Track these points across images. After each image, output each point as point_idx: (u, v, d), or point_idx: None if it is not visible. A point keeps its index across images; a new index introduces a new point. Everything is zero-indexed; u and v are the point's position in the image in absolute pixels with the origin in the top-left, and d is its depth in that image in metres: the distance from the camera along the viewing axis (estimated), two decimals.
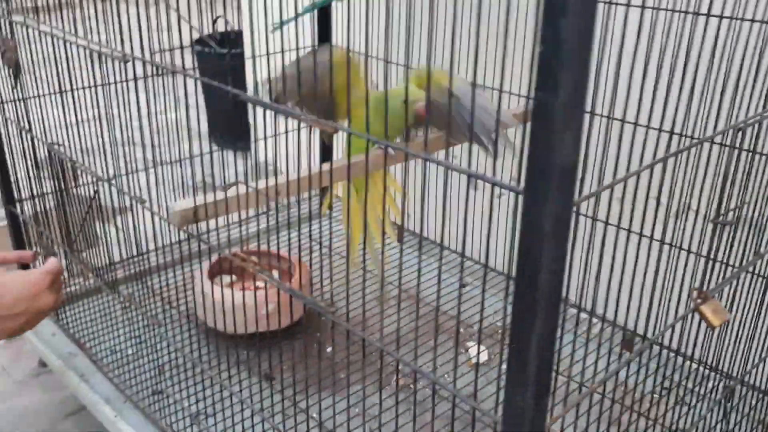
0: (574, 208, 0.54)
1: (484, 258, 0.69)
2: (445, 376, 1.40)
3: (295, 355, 1.45)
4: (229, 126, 2.33)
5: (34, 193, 1.49)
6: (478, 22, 0.59)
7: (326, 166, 0.94)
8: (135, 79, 1.22)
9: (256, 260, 0.87)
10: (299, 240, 0.88)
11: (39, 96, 1.36)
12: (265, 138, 1.63)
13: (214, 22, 0.81)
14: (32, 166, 1.46)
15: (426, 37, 0.64)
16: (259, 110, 0.84)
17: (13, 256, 1.27)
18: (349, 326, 0.75)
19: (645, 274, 0.88)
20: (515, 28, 1.15)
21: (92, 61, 1.18)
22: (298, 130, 0.84)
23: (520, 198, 0.53)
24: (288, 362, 1.42)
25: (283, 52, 1.04)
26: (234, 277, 1.57)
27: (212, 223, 1.80)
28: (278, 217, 0.98)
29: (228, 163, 1.47)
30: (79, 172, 1.28)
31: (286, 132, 1.50)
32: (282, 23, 0.99)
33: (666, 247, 0.98)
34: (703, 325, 0.78)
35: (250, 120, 2.01)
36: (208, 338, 1.42)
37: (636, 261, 0.88)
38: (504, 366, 0.59)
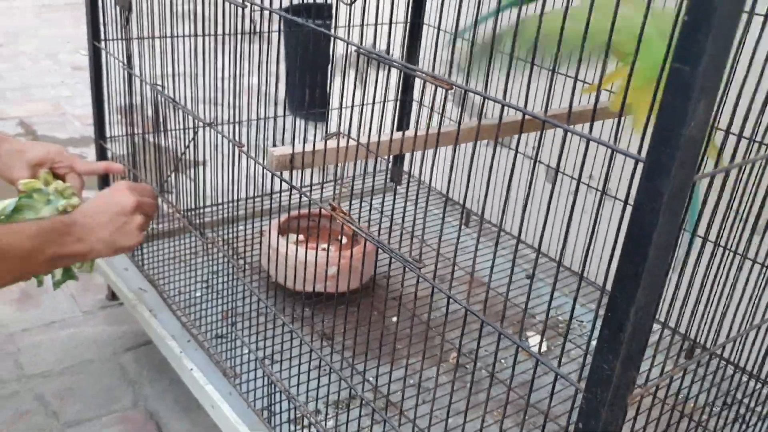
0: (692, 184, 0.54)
1: (554, 254, 0.69)
2: (502, 361, 1.40)
3: (355, 319, 1.48)
4: (307, 94, 2.35)
5: (127, 131, 1.54)
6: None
7: (421, 131, 0.95)
8: (235, 33, 1.24)
9: (345, 212, 0.89)
10: (370, 210, 0.90)
11: (144, 38, 1.40)
12: (341, 107, 1.65)
13: None
14: (129, 105, 1.51)
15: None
16: (337, 81, 0.85)
17: (101, 167, 1.31)
18: (435, 284, 0.76)
19: (714, 283, 0.87)
20: None
21: (196, 11, 1.22)
22: (382, 102, 0.86)
23: (640, 167, 0.54)
24: (348, 325, 1.44)
25: (367, 25, 1.05)
26: (302, 236, 1.60)
27: (295, 182, 1.83)
28: (353, 187, 0.99)
29: (304, 129, 1.50)
30: (181, 114, 1.32)
31: (365, 104, 1.52)
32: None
33: (738, 258, 0.97)
34: None
35: (328, 89, 2.03)
36: (276, 292, 1.45)
37: (708, 270, 0.87)
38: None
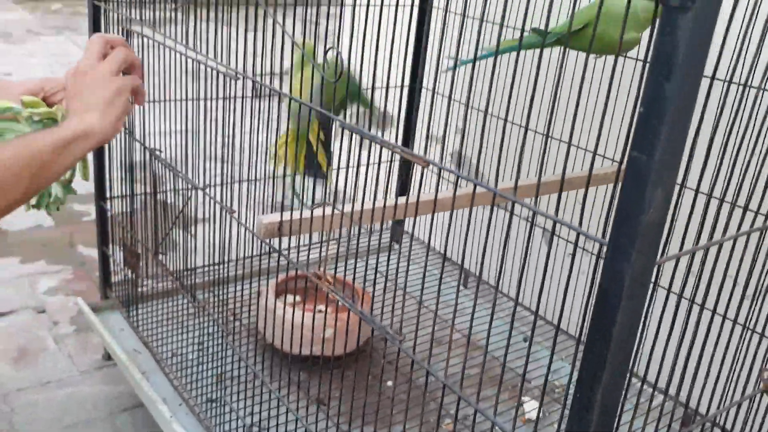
0: (656, 266, 0.55)
1: (553, 318, 0.69)
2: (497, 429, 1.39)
3: (348, 383, 1.47)
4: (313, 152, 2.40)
5: (125, 192, 1.57)
6: (580, 86, 0.61)
7: (412, 198, 0.97)
8: (236, 97, 1.28)
9: (330, 280, 0.90)
10: (365, 270, 0.91)
11: (146, 101, 1.43)
12: (347, 167, 1.67)
13: (325, 53, 0.86)
14: (127, 167, 1.54)
15: (529, 94, 0.66)
16: (340, 139, 0.87)
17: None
18: (414, 357, 0.77)
19: (714, 352, 0.87)
20: (617, 93, 1.16)
21: (199, 76, 1.25)
22: (390, 161, 0.88)
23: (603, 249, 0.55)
24: (341, 389, 1.44)
25: (374, 88, 1.08)
26: (298, 297, 1.61)
27: (285, 243, 1.85)
28: (348, 246, 1.01)
29: (307, 187, 1.53)
30: (177, 179, 1.34)
31: (370, 164, 1.54)
32: (457, 65, 0.95)
33: (738, 327, 0.96)
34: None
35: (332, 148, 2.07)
36: (272, 354, 1.45)
37: (706, 337, 0.87)
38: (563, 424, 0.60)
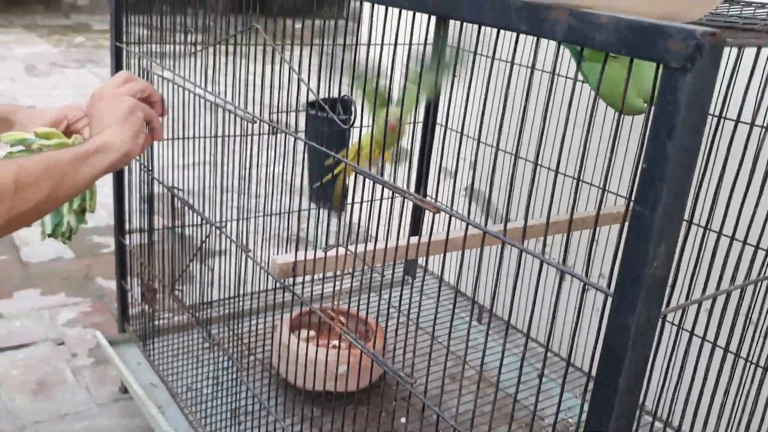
0: (661, 318, 0.56)
1: (566, 352, 0.70)
2: None
3: (361, 419, 1.47)
4: (328, 186, 2.42)
5: (143, 226, 1.60)
6: (589, 122, 0.63)
7: (424, 240, 0.98)
8: (252, 135, 1.31)
9: (343, 320, 0.91)
10: (378, 304, 0.92)
11: (164, 139, 1.47)
12: (361, 202, 1.69)
13: (340, 98, 0.88)
14: (146, 202, 1.57)
15: (538, 130, 0.68)
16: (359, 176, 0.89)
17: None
18: (426, 401, 0.78)
19: (727, 391, 0.87)
20: (621, 134, 1.18)
21: (216, 115, 1.28)
22: (403, 200, 0.89)
23: (609, 300, 0.56)
24: (353, 426, 1.44)
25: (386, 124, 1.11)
26: (313, 332, 1.62)
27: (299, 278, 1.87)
28: (363, 281, 1.02)
29: (321, 221, 1.55)
30: (193, 215, 1.37)
31: (382, 199, 1.56)
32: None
33: (752, 366, 0.96)
34: None
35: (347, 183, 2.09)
36: (285, 390, 1.46)
37: (718, 376, 0.87)
38: None
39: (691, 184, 0.52)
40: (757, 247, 0.84)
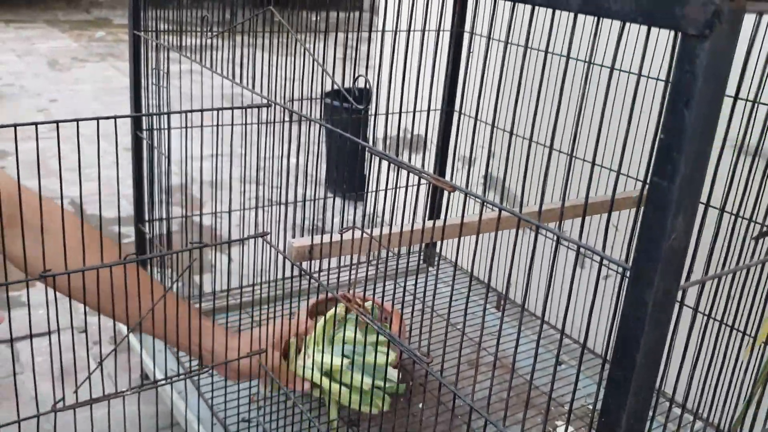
0: (679, 294, 0.55)
1: (582, 336, 0.69)
2: None
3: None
4: (348, 175, 2.43)
5: (162, 215, 1.61)
6: (603, 105, 0.62)
7: (439, 223, 0.98)
8: (273, 122, 1.31)
9: (361, 303, 0.91)
10: (394, 291, 0.92)
11: (185, 127, 1.47)
12: (377, 190, 1.69)
13: (355, 80, 0.88)
14: (166, 190, 1.58)
15: (553, 114, 0.67)
16: (376, 163, 0.89)
17: None
18: (442, 380, 0.77)
19: (744, 375, 0.86)
20: (640, 112, 1.16)
21: (232, 102, 1.28)
22: (418, 185, 0.89)
23: (626, 275, 0.55)
24: (370, 411, 1.44)
25: (405, 112, 1.10)
26: None
27: (316, 265, 1.87)
28: (378, 267, 1.02)
29: (341, 209, 1.55)
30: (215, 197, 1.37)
31: (399, 187, 1.56)
32: None
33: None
34: None
35: (366, 172, 2.09)
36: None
37: (737, 360, 0.86)
38: None
39: (709, 156, 0.51)
40: (763, 225, 0.82)
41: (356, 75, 0.85)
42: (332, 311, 1.20)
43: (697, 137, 0.50)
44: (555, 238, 0.62)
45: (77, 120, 0.93)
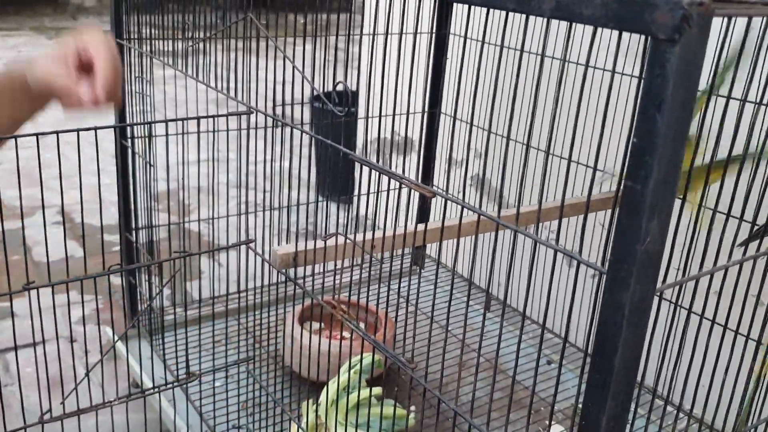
0: (657, 295, 0.55)
1: (577, 340, 0.70)
2: None
3: None
4: (335, 179, 2.43)
5: (147, 223, 1.60)
6: (578, 104, 0.62)
7: (421, 227, 0.98)
8: (256, 128, 1.30)
9: (345, 309, 0.91)
10: (387, 296, 0.92)
11: (166, 135, 1.47)
12: (368, 193, 1.69)
13: (335, 86, 0.88)
14: (154, 198, 1.57)
15: (529, 114, 0.67)
16: (364, 167, 0.89)
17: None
18: (426, 385, 0.77)
19: (727, 369, 0.86)
20: (615, 111, 1.17)
21: (218, 109, 1.28)
22: (399, 189, 0.89)
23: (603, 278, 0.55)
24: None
25: (385, 116, 1.10)
26: (322, 324, 1.62)
27: (309, 269, 1.87)
28: (371, 271, 1.02)
29: (329, 213, 1.55)
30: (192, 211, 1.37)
31: (387, 190, 1.56)
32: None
33: (753, 344, 0.95)
34: None
35: (356, 175, 2.09)
36: (295, 381, 1.46)
37: (718, 354, 0.86)
38: None
39: (682, 159, 0.51)
40: (753, 224, 0.83)
41: (337, 80, 0.85)
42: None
43: (669, 141, 0.50)
44: (533, 242, 0.62)
45: (57, 132, 0.93)
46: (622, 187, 0.53)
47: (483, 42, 0.78)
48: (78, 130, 1.02)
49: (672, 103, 0.49)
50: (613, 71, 0.58)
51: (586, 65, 0.59)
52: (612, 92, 0.60)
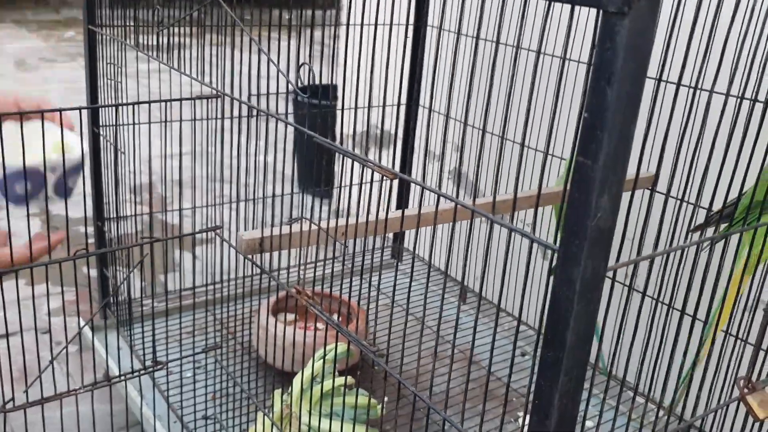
0: (609, 274, 0.55)
1: (538, 324, 0.69)
2: None
3: None
4: (314, 171, 2.42)
5: (120, 214, 1.59)
6: (531, 88, 0.62)
7: (391, 214, 0.97)
8: (231, 117, 1.29)
9: (317, 300, 0.91)
10: (359, 287, 0.91)
11: (139, 124, 1.46)
12: (344, 186, 1.68)
13: (299, 67, 0.87)
14: (125, 188, 1.56)
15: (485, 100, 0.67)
16: (343, 159, 0.89)
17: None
18: (400, 378, 0.77)
19: (685, 353, 0.86)
20: (563, 94, 1.17)
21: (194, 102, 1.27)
22: (381, 181, 0.88)
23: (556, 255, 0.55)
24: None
25: (362, 108, 1.09)
26: (297, 316, 1.61)
27: (284, 262, 1.86)
28: (344, 262, 1.01)
29: (307, 205, 1.54)
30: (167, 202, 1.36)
31: (360, 183, 1.55)
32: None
33: (720, 333, 0.96)
34: (747, 416, 0.76)
35: (336, 169, 2.08)
36: (266, 372, 1.45)
37: (676, 339, 0.86)
38: None
39: (633, 134, 0.51)
40: (709, 210, 0.83)
41: (300, 63, 0.85)
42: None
43: (620, 115, 0.50)
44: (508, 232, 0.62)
45: (20, 113, 0.91)
46: (573, 163, 0.52)
47: (458, 33, 0.77)
48: (42, 112, 1.00)
49: (622, 77, 0.49)
50: (563, 56, 0.57)
51: (563, 57, 0.59)
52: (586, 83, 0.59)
